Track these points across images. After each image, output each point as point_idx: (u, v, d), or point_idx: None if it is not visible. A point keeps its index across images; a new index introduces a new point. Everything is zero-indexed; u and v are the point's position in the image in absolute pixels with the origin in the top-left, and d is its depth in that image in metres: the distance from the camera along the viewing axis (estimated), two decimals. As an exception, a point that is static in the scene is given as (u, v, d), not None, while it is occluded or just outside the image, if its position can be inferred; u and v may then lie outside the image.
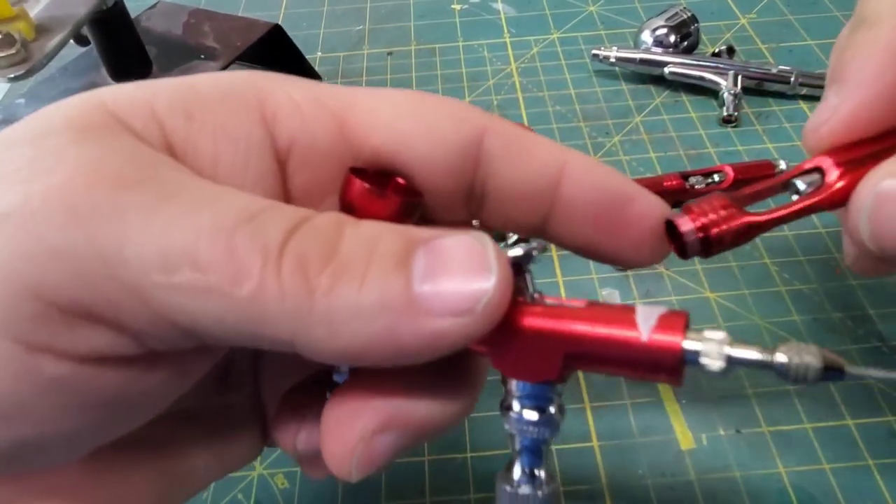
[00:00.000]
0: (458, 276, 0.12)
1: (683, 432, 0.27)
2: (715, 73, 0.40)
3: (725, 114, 0.39)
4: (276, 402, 0.18)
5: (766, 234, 0.33)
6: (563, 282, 0.32)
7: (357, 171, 0.15)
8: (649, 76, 0.43)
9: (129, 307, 0.12)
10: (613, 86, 0.43)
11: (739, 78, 0.40)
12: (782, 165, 0.35)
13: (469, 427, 0.27)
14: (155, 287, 0.12)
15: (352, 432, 0.14)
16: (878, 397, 0.27)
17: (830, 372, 0.13)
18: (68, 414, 0.13)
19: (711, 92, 0.41)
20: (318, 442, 0.15)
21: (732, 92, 0.39)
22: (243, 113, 0.15)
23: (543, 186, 0.16)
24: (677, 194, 0.35)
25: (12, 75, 0.31)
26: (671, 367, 0.13)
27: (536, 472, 0.15)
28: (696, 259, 0.32)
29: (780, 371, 0.13)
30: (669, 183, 0.35)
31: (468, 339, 0.12)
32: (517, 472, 0.15)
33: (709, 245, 0.16)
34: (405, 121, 0.15)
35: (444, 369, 0.14)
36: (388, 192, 0.15)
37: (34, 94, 0.40)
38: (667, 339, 0.13)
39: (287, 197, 0.16)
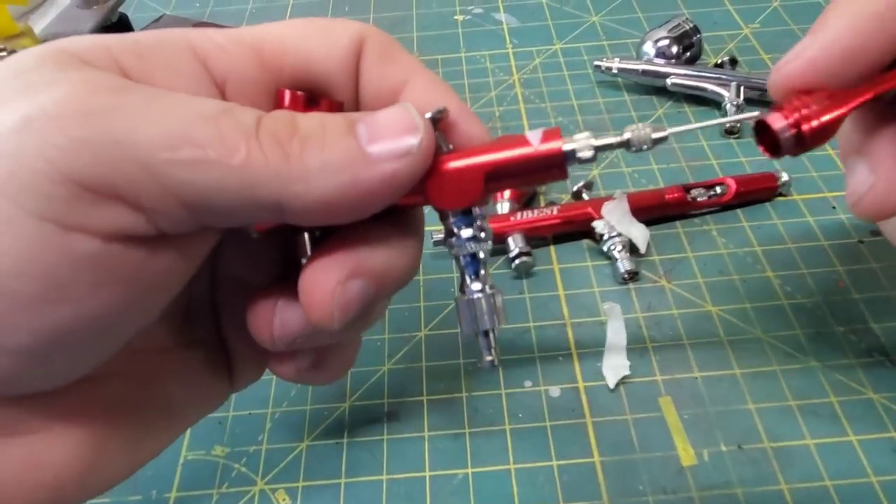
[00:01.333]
0: (394, 133, 0.16)
1: (685, 448, 0.27)
2: (717, 84, 0.40)
3: (728, 125, 0.39)
4: (236, 336, 0.21)
5: (768, 248, 0.33)
6: (565, 295, 0.32)
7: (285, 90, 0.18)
8: (652, 87, 0.43)
9: (145, 185, 0.14)
10: (616, 97, 0.43)
11: (742, 89, 0.40)
12: (784, 177, 0.35)
13: (469, 443, 0.27)
14: (163, 163, 0.14)
15: (328, 281, 0.17)
16: (881, 413, 0.27)
17: (659, 137, 0.17)
18: (99, 292, 0.15)
19: (714, 103, 0.41)
20: (292, 323, 0.18)
21: (735, 103, 0.39)
22: (183, 54, 0.17)
23: (393, 92, 0.19)
24: (679, 206, 0.35)
25: (17, 92, 0.31)
26: (558, 164, 0.18)
27: (480, 278, 0.19)
28: (698, 271, 0.32)
29: (628, 144, 0.18)
30: (671, 195, 0.35)
31: (411, 176, 0.16)
32: (466, 282, 0.19)
33: (802, 140, 0.18)
34: (308, 39, 0.18)
35: (394, 224, 0.18)
36: (318, 99, 0.18)
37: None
38: (551, 145, 0.18)
39: None
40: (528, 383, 0.29)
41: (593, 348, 0.30)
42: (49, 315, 0.14)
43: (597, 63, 0.43)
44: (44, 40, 0.34)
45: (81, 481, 0.17)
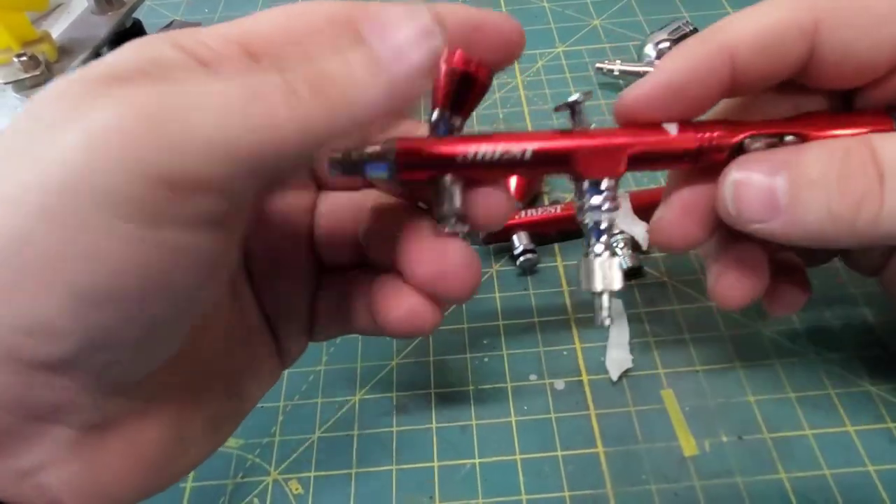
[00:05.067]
0: (406, 28, 0.16)
1: (686, 439, 0.27)
2: (717, 86, 0.41)
3: (728, 125, 0.40)
4: (277, 311, 0.23)
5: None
6: (569, 291, 0.33)
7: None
8: (653, 88, 0.43)
9: (219, 164, 0.15)
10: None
11: (741, 90, 0.41)
12: (784, 176, 0.36)
13: (476, 435, 0.28)
14: (232, 137, 0.15)
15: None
16: (878, 404, 0.28)
17: None
18: (189, 277, 0.16)
19: (714, 104, 0.42)
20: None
21: (735, 104, 0.40)
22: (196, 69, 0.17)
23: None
24: (680, 205, 0.35)
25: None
26: (691, 155, 0.21)
27: (602, 242, 0.21)
28: (699, 268, 0.33)
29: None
30: (672, 194, 0.35)
31: (437, 50, 0.17)
32: (589, 245, 0.21)
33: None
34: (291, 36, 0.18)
35: None
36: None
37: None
38: (687, 137, 0.21)
39: None
40: (533, 377, 0.30)
41: (597, 343, 0.31)
42: (151, 309, 0.15)
43: (598, 65, 0.44)
44: (61, 46, 0.35)
45: (169, 466, 0.18)
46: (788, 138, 0.21)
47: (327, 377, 0.31)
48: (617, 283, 0.21)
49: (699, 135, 0.21)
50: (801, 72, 0.20)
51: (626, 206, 0.34)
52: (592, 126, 0.21)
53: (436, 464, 0.27)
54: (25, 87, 0.32)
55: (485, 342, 0.31)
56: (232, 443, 0.29)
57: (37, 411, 0.16)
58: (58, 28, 0.38)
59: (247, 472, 0.28)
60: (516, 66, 0.47)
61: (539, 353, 0.31)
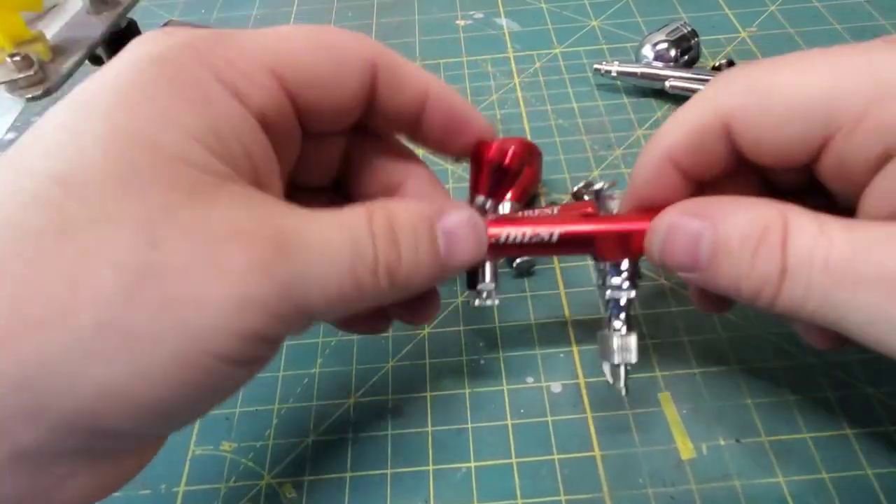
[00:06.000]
0: (468, 251, 0.21)
1: (684, 442, 0.27)
2: (715, 87, 0.41)
3: (726, 127, 0.40)
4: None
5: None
6: (566, 293, 0.33)
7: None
8: (650, 90, 0.43)
9: (303, 325, 0.18)
10: (615, 99, 0.44)
11: (739, 91, 0.40)
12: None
13: (472, 438, 0.28)
14: (321, 315, 0.18)
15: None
16: (877, 407, 0.27)
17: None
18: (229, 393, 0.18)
19: (712, 105, 0.42)
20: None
21: (732, 105, 0.40)
22: (232, 105, 0.19)
23: (415, 108, 0.22)
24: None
25: (30, 95, 0.32)
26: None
27: (620, 318, 0.23)
28: (697, 271, 0.33)
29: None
30: (670, 195, 0.35)
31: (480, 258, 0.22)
32: (609, 320, 0.23)
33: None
34: (322, 68, 0.20)
35: None
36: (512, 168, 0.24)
37: (49, 113, 0.41)
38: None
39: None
40: (529, 379, 0.30)
41: (594, 345, 0.30)
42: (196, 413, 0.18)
43: (596, 66, 0.44)
44: (55, 46, 0.34)
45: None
46: None
47: (322, 380, 0.31)
48: (634, 356, 0.23)
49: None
50: (738, 160, 0.22)
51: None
52: (615, 199, 0.24)
53: (431, 467, 0.27)
54: (19, 87, 0.32)
55: (481, 344, 0.31)
56: (225, 446, 0.29)
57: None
58: (53, 28, 0.37)
59: (240, 475, 0.28)
60: (513, 67, 0.47)
61: (536, 356, 0.30)
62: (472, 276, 0.25)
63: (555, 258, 0.35)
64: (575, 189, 0.36)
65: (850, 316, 0.17)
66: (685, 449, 0.27)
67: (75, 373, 0.15)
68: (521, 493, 0.26)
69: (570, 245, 0.23)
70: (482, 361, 0.30)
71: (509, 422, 0.28)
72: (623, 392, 0.23)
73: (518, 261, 0.33)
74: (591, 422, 0.28)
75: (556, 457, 0.27)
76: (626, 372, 0.23)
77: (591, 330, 0.31)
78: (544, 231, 0.23)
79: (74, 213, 0.15)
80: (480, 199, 0.25)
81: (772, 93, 0.20)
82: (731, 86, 0.21)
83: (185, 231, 0.16)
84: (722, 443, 0.27)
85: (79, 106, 0.17)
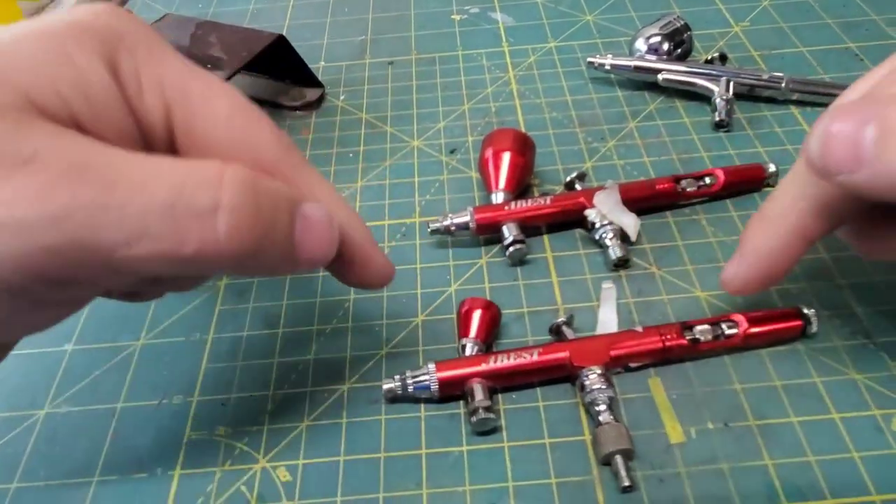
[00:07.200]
0: (320, 246, 0.21)
1: (673, 426, 0.27)
2: (707, 80, 0.41)
3: (718, 119, 0.40)
4: None
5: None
6: (558, 282, 0.33)
7: None
8: (644, 83, 0.44)
9: (104, 274, 0.18)
10: (609, 92, 0.44)
11: (731, 84, 0.41)
12: (772, 168, 0.36)
13: (464, 422, 0.28)
14: (124, 259, 0.17)
15: None
16: (863, 392, 0.28)
17: None
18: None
19: (704, 98, 0.42)
20: None
21: (724, 97, 0.40)
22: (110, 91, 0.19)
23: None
24: (669, 197, 0.36)
25: (27, 85, 0.32)
26: (660, 356, 0.29)
27: (605, 412, 0.27)
28: (688, 259, 0.33)
29: None
30: (662, 186, 0.36)
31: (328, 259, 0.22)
32: (594, 416, 0.27)
33: None
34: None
35: None
36: None
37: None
38: (653, 339, 0.29)
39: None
40: (521, 366, 0.30)
41: (586, 332, 0.31)
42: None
43: (590, 60, 0.44)
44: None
45: None
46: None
47: (316, 367, 0.31)
48: (626, 443, 0.25)
49: (662, 337, 0.28)
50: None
51: (615, 196, 0.34)
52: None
53: (423, 451, 0.28)
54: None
55: (474, 332, 0.31)
56: (220, 431, 0.29)
57: None
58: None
59: (235, 459, 0.28)
60: (508, 60, 0.48)
61: (528, 343, 0.31)
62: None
63: (547, 250, 0.35)
64: (568, 179, 0.36)
65: None
66: (674, 433, 0.27)
67: None
68: (511, 475, 0.26)
69: (549, 364, 0.28)
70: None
71: (501, 407, 0.29)
72: (625, 483, 0.25)
73: (511, 249, 0.33)
74: (581, 406, 0.28)
75: (547, 441, 0.27)
76: (624, 461, 0.25)
77: (584, 317, 0.31)
78: (526, 356, 0.28)
79: None
80: (465, 340, 0.30)
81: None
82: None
83: None
84: (710, 427, 0.27)
85: None
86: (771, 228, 0.25)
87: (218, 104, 0.21)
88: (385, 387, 0.28)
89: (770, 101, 0.42)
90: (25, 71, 0.17)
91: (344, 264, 0.24)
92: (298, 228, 0.20)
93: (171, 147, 0.21)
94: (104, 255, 0.17)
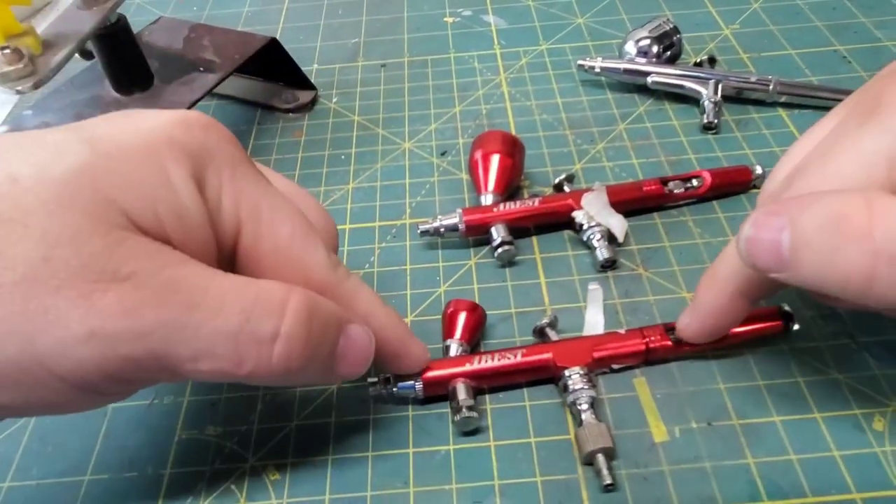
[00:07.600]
0: (358, 364, 0.25)
1: (657, 425, 0.28)
2: (696, 82, 0.42)
3: (706, 121, 0.40)
4: None
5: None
6: (546, 283, 0.34)
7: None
8: (633, 85, 0.44)
9: (167, 378, 0.21)
10: (599, 95, 0.44)
11: (720, 86, 0.41)
12: (759, 170, 0.37)
13: (451, 422, 0.28)
14: (187, 371, 0.20)
15: None
16: (845, 392, 0.28)
17: None
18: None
19: (693, 100, 0.42)
20: None
21: (712, 100, 0.41)
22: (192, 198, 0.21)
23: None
24: (657, 198, 0.36)
25: (20, 88, 0.32)
26: (641, 358, 0.30)
27: (588, 411, 0.27)
28: (674, 260, 0.34)
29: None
30: (649, 187, 0.36)
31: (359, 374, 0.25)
32: (577, 416, 0.28)
33: None
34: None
35: None
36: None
37: (40, 106, 0.41)
38: (637, 342, 0.30)
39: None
40: (508, 366, 0.30)
41: (573, 332, 0.31)
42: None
43: (580, 62, 0.45)
44: (45, 40, 0.35)
45: None
46: None
47: (306, 366, 0.31)
48: (608, 442, 0.26)
49: (645, 339, 0.29)
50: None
51: (602, 198, 0.35)
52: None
53: (411, 450, 0.28)
54: (9, 79, 0.32)
55: (462, 332, 0.32)
56: (210, 430, 0.29)
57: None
58: (45, 22, 0.38)
59: (224, 458, 0.28)
60: (500, 63, 0.48)
61: (515, 343, 0.31)
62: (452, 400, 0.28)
63: (536, 251, 0.35)
64: (556, 181, 0.37)
65: None
66: (658, 432, 0.28)
67: None
68: (497, 474, 0.27)
69: (532, 363, 0.29)
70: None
71: (488, 406, 0.29)
72: (608, 481, 0.25)
73: (499, 250, 0.34)
74: (566, 406, 0.29)
75: (532, 440, 0.28)
76: (607, 461, 0.26)
77: (571, 318, 0.32)
78: (510, 356, 0.29)
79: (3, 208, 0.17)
80: (449, 342, 0.30)
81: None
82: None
83: (80, 256, 0.18)
84: (694, 426, 0.28)
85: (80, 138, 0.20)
86: (718, 287, 0.26)
87: (282, 228, 0.23)
88: (371, 387, 0.28)
89: (758, 103, 0.42)
90: (128, 190, 0.19)
91: (384, 359, 0.27)
92: (341, 346, 0.23)
93: (232, 257, 0.23)
94: (172, 365, 0.19)
